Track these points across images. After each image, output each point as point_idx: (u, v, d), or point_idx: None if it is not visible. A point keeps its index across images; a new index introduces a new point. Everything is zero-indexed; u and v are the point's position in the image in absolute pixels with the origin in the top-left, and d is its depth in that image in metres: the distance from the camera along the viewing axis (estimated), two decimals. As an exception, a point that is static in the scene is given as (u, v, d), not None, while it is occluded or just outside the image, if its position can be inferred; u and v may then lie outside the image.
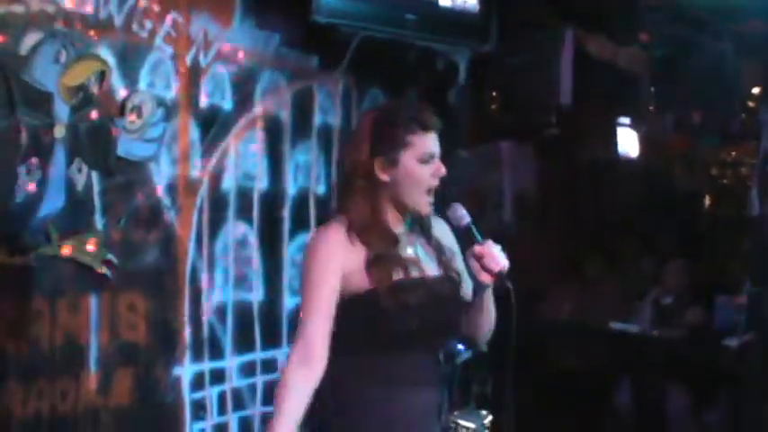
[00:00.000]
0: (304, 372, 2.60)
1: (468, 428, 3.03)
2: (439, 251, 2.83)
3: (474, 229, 2.74)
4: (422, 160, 2.71)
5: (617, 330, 6.56)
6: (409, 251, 2.77)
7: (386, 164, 2.71)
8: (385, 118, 2.79)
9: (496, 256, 2.68)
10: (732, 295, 6.41)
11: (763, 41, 5.92)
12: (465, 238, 2.79)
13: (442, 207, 2.84)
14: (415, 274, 2.72)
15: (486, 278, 2.70)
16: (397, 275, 2.68)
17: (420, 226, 2.83)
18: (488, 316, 2.84)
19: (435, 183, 2.74)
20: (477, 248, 2.70)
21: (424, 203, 2.75)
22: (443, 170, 2.75)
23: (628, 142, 7.56)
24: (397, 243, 2.75)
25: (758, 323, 5.65)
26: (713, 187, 8.32)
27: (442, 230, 2.89)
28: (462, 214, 2.77)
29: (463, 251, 2.81)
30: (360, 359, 2.67)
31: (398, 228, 2.79)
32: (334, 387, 2.65)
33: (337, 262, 2.66)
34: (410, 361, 2.70)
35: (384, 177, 2.72)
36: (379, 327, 2.66)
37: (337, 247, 2.68)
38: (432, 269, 2.79)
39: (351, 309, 2.67)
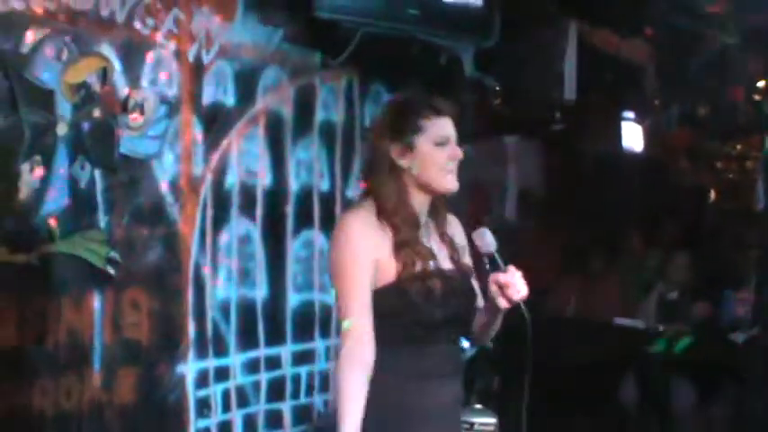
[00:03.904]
0: (360, 371, 2.62)
1: (487, 426, 3.02)
2: (451, 247, 2.85)
3: (498, 257, 2.74)
4: (437, 143, 2.74)
5: (622, 325, 6.54)
6: (425, 242, 2.79)
7: (403, 149, 2.75)
8: (400, 105, 2.88)
9: (519, 287, 2.69)
10: (738, 290, 6.40)
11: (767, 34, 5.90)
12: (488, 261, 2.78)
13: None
14: (432, 265, 2.74)
15: (503, 304, 2.70)
16: (420, 265, 2.70)
17: (435, 220, 2.85)
18: (495, 326, 2.87)
19: (453, 166, 2.77)
20: (501, 278, 2.69)
21: (446, 181, 2.77)
22: (460, 153, 2.78)
23: (632, 136, 7.54)
24: (419, 230, 2.77)
25: (764, 318, 5.63)
26: (718, 181, 8.30)
27: (455, 228, 2.92)
28: (490, 241, 2.77)
29: (479, 269, 2.82)
30: (388, 350, 2.66)
31: (420, 218, 2.81)
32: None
33: (370, 251, 2.68)
34: (436, 352, 2.72)
35: (403, 163, 2.75)
36: (407, 316, 2.67)
37: (369, 234, 2.69)
38: (445, 262, 2.80)
39: (380, 299, 2.68)
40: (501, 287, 2.68)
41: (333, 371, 2.72)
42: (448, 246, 2.85)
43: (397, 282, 2.67)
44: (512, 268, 2.71)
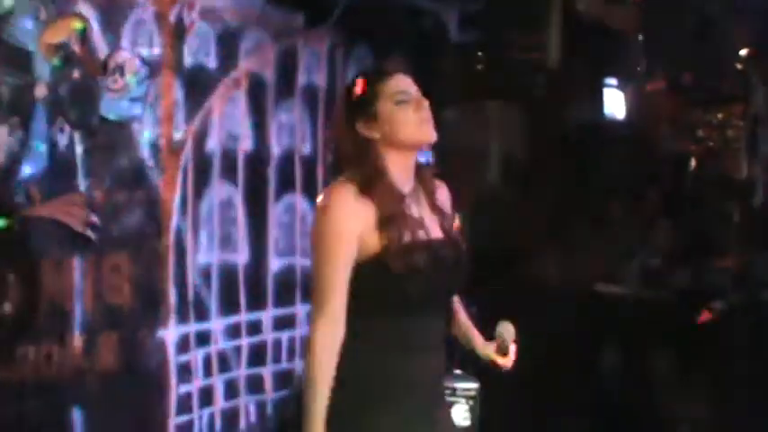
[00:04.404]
0: (331, 344, 2.60)
1: (468, 391, 3.02)
2: (441, 215, 2.80)
3: (509, 345, 2.88)
4: (397, 102, 2.69)
5: (603, 292, 6.54)
6: (414, 212, 2.74)
7: (368, 122, 2.69)
8: (351, 84, 2.79)
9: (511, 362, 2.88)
10: (719, 257, 6.41)
11: (752, 3, 5.88)
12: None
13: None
14: (422, 235, 2.69)
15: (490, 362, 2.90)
16: (407, 237, 2.65)
17: (423, 188, 2.80)
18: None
19: (424, 116, 2.70)
20: (501, 361, 2.89)
21: (421, 134, 2.71)
22: (425, 102, 2.71)
23: (615, 103, 7.51)
24: (404, 201, 2.72)
25: (745, 286, 5.65)
26: (699, 149, 8.29)
27: (442, 196, 2.88)
28: (510, 337, 2.88)
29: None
30: (372, 323, 2.64)
31: (405, 188, 2.75)
32: (346, 352, 2.62)
33: (353, 227, 2.61)
34: (422, 324, 2.68)
35: (373, 135, 2.69)
36: (390, 290, 2.62)
37: (351, 209, 2.63)
38: (435, 232, 2.76)
39: (363, 272, 2.63)
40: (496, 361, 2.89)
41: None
42: (438, 214, 2.80)
43: (379, 255, 2.61)
44: (513, 349, 2.88)
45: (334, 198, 2.66)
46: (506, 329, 2.89)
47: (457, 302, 2.98)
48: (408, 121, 2.69)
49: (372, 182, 2.66)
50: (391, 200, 2.67)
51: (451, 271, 2.74)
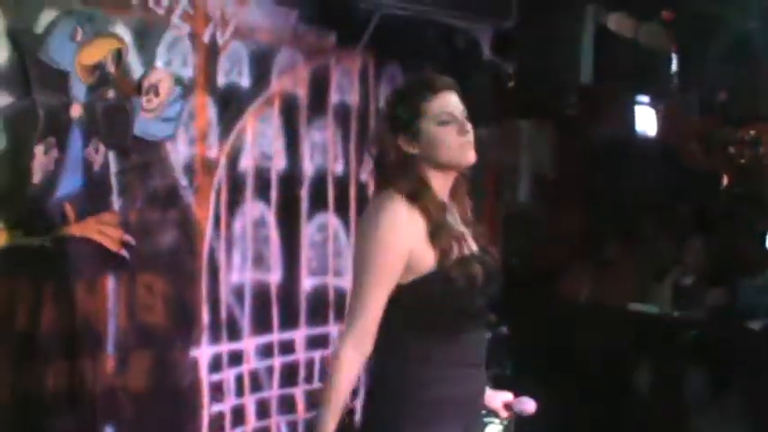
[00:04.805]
0: (359, 359, 2.59)
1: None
2: (473, 228, 2.79)
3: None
4: (440, 122, 2.66)
5: (636, 312, 6.50)
6: (454, 226, 2.72)
7: (409, 137, 2.67)
8: (395, 95, 2.81)
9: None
10: (753, 277, 6.35)
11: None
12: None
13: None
14: (466, 249, 2.67)
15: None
16: (457, 249, 2.63)
17: (457, 203, 2.79)
18: None
19: (465, 140, 2.67)
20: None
21: (461, 157, 2.68)
22: (468, 126, 2.68)
23: (648, 121, 7.48)
24: (447, 212, 2.70)
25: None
26: (731, 166, 8.23)
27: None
28: (528, 412, 2.89)
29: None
30: (428, 340, 2.62)
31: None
32: (401, 373, 2.62)
33: (406, 241, 2.58)
34: (475, 339, 2.69)
35: (412, 150, 2.67)
36: (450, 304, 2.60)
37: (401, 222, 2.59)
38: (472, 245, 2.74)
39: (419, 287, 2.60)
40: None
41: (333, 353, 2.66)
42: (473, 228, 2.79)
43: (438, 268, 2.58)
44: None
45: (386, 210, 2.62)
46: (527, 405, 2.88)
47: None
48: (449, 143, 2.66)
49: (420, 193, 2.64)
50: (438, 211, 2.65)
51: (492, 283, 2.73)
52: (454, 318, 2.61)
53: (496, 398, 2.89)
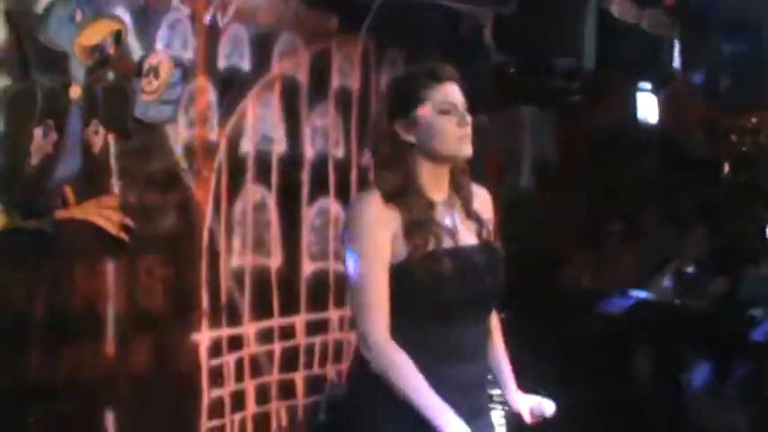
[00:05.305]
0: (386, 333, 2.59)
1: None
2: (479, 223, 2.78)
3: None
4: (441, 111, 2.64)
5: (638, 299, 6.49)
6: (447, 221, 2.69)
7: (407, 124, 2.65)
8: (397, 80, 2.82)
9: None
10: (755, 265, 6.34)
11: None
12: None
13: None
14: (448, 243, 2.65)
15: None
16: (432, 245, 2.62)
17: (459, 195, 2.77)
18: None
19: (464, 132, 2.65)
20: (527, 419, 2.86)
21: (458, 149, 2.67)
22: (468, 118, 2.67)
23: (650, 108, 7.46)
24: (433, 209, 2.68)
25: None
26: (732, 154, 8.22)
27: (481, 202, 2.85)
28: (548, 413, 2.86)
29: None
30: (409, 328, 2.61)
31: (437, 196, 2.72)
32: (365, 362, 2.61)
33: (385, 230, 2.60)
34: (458, 332, 2.65)
35: (409, 138, 2.66)
36: (417, 298, 2.61)
37: (380, 213, 2.61)
38: (468, 238, 2.73)
39: (392, 276, 2.61)
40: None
41: (367, 355, 2.64)
42: (475, 221, 2.76)
43: (404, 262, 2.60)
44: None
45: (365, 204, 2.66)
46: (546, 408, 2.85)
47: (495, 328, 2.90)
48: (448, 133, 2.64)
49: (400, 189, 2.63)
50: (419, 207, 2.64)
51: (486, 277, 2.70)
52: (424, 310, 2.62)
53: (522, 401, 2.87)
